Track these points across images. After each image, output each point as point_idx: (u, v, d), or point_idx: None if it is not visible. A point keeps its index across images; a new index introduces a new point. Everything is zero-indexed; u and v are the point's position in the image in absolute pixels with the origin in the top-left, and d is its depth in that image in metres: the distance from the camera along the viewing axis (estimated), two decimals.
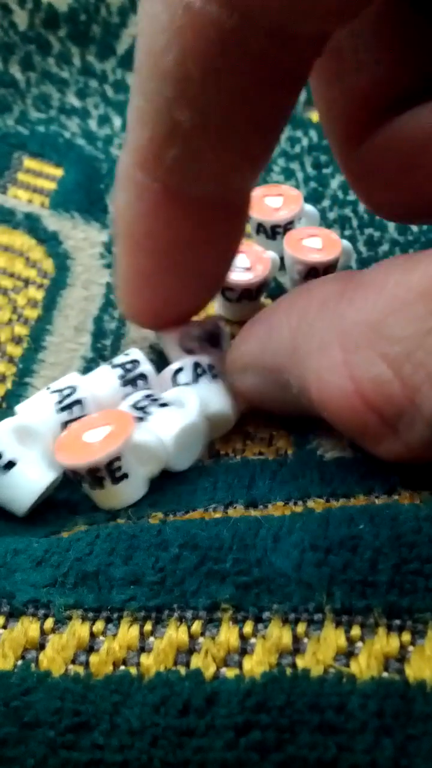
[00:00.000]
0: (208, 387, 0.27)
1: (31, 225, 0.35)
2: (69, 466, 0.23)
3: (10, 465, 0.24)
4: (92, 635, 0.19)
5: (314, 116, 0.43)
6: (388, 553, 0.19)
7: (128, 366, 0.28)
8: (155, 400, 0.26)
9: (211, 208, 0.24)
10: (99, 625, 0.19)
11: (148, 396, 0.26)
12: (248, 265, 0.31)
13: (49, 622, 0.19)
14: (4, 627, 0.19)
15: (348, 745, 0.17)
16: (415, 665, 0.18)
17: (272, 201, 0.34)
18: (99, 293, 0.33)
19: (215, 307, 0.32)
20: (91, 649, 0.19)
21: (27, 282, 0.33)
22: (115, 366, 0.28)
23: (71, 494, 0.25)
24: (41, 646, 0.19)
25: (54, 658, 0.19)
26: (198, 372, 0.28)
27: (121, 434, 0.23)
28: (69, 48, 0.45)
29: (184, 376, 0.27)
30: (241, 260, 0.31)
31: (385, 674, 0.18)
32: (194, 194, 0.24)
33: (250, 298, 0.31)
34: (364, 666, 0.18)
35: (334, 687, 0.18)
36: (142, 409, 0.26)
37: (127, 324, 0.32)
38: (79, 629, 0.19)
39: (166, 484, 0.25)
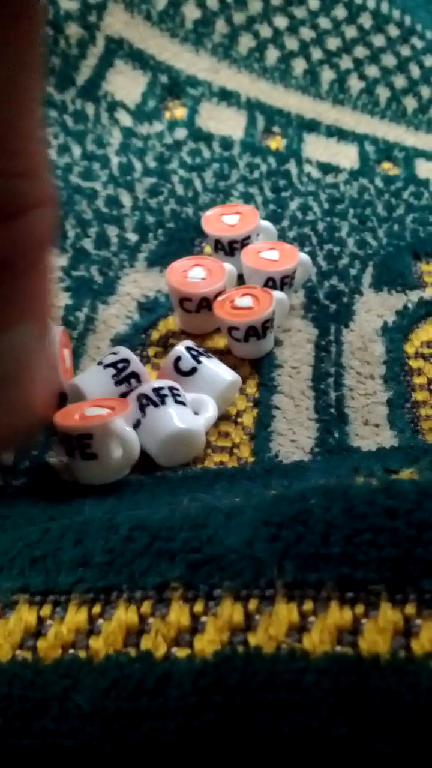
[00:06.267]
0: (211, 363, 0.29)
1: None
2: (60, 428, 0.25)
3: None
4: (40, 620, 0.18)
5: (272, 143, 0.44)
6: (340, 525, 0.19)
7: (120, 365, 0.28)
8: (176, 395, 0.27)
9: None
10: (46, 609, 0.19)
11: (172, 388, 0.27)
12: (204, 275, 0.31)
13: None
14: None
15: (304, 724, 0.17)
16: (369, 638, 0.17)
17: (229, 219, 0.34)
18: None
19: (177, 322, 0.32)
20: (38, 633, 0.18)
21: None
22: (106, 366, 0.28)
23: None
24: None
25: (1, 645, 0.18)
26: (193, 354, 0.29)
27: (105, 417, 0.25)
28: None
29: (186, 363, 0.28)
30: (196, 271, 0.31)
31: (338, 648, 0.17)
32: None
33: (209, 308, 0.31)
34: (317, 641, 0.18)
35: (287, 664, 0.17)
36: (161, 396, 0.27)
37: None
38: (26, 614, 0.19)
39: (124, 493, 0.25)
